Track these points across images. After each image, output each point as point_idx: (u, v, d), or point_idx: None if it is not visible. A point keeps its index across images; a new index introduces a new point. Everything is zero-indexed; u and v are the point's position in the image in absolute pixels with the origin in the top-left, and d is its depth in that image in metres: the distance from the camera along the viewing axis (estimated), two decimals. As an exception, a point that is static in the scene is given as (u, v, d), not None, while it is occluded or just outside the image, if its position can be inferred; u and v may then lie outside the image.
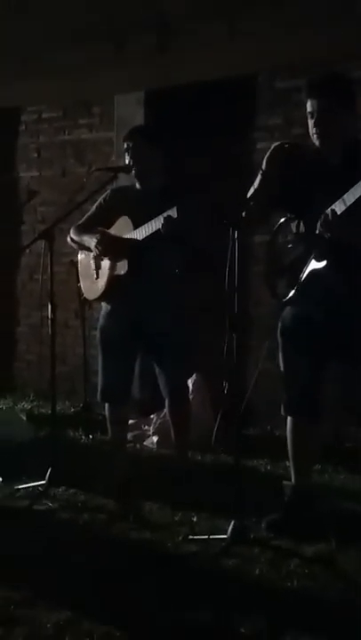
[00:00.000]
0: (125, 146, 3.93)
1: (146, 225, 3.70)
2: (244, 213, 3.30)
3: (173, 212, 3.54)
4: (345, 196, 3.00)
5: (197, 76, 5.07)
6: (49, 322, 4.03)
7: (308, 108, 3.20)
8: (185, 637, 2.46)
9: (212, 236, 3.56)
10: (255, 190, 3.31)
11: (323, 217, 3.05)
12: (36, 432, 4.95)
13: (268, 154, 3.29)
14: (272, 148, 3.30)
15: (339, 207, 3.02)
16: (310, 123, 3.19)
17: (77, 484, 3.94)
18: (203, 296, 4.50)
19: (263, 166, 3.27)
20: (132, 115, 5.51)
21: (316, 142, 3.21)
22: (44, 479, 3.88)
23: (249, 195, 3.33)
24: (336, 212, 3.02)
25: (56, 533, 3.43)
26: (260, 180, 3.30)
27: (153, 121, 5.40)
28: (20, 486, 3.93)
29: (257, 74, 5.18)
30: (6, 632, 2.48)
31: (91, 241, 3.90)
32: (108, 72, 5.21)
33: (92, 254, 3.97)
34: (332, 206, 3.03)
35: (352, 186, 2.98)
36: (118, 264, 3.86)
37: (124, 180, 4.16)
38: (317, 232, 3.10)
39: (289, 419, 3.45)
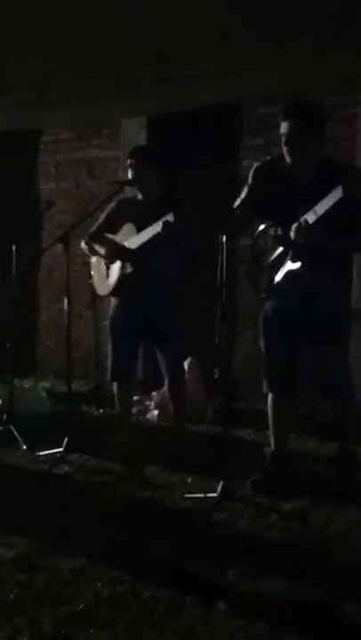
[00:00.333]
0: (128, 162, 3.92)
1: (147, 229, 3.70)
2: (231, 220, 3.30)
3: (170, 217, 3.55)
4: (316, 207, 3.00)
5: (191, 103, 5.05)
6: (65, 313, 4.02)
7: (282, 130, 3.19)
8: (183, 579, 2.46)
9: (203, 239, 3.56)
10: (242, 201, 3.31)
11: (296, 225, 3.05)
12: (54, 407, 4.96)
13: (252, 170, 3.28)
14: (255, 165, 3.29)
15: (310, 217, 3.02)
16: (283, 142, 3.18)
17: (90, 451, 3.94)
18: (197, 291, 4.50)
19: (249, 180, 3.27)
20: (136, 136, 5.49)
21: (288, 159, 3.19)
22: (61, 447, 3.86)
23: (236, 204, 3.32)
24: (308, 221, 3.03)
25: (72, 493, 3.43)
26: (246, 192, 3.29)
27: (154, 142, 5.38)
28: (41, 453, 3.93)
29: (242, 101, 5.17)
30: (29, 577, 2.48)
31: (101, 250, 3.91)
32: (116, 100, 5.20)
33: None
34: (305, 216, 3.03)
35: (319, 197, 2.98)
36: (125, 265, 3.87)
37: (129, 192, 4.15)
38: (292, 238, 3.10)
39: (269, 395, 3.46)
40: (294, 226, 3.06)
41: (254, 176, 3.24)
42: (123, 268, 3.86)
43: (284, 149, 3.17)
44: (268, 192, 3.23)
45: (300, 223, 3.03)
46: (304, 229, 3.03)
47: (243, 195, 3.30)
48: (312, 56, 4.08)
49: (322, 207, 2.97)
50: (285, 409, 3.45)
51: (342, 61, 4.14)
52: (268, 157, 3.31)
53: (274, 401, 3.44)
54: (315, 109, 3.30)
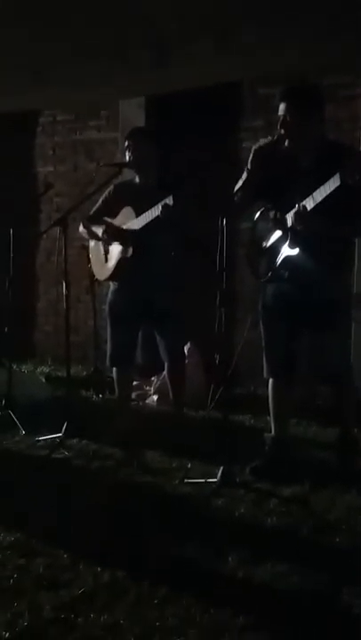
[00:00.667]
0: (126, 144, 3.90)
1: (146, 213, 3.69)
2: (231, 204, 3.29)
3: (170, 200, 3.53)
4: (314, 193, 2.99)
5: (190, 84, 5.03)
6: (64, 297, 4.02)
7: (279, 112, 3.16)
8: (182, 564, 2.48)
9: (203, 222, 3.55)
10: (242, 184, 3.30)
11: (295, 211, 3.04)
12: (53, 392, 4.96)
13: (252, 152, 3.26)
14: (254, 147, 3.28)
15: (309, 203, 3.01)
16: (279, 125, 3.16)
17: (89, 436, 3.95)
18: (196, 275, 4.50)
19: (248, 164, 3.25)
20: (135, 117, 5.46)
21: (286, 142, 3.17)
22: (60, 432, 3.87)
23: (236, 188, 3.31)
24: (306, 208, 3.02)
25: (71, 478, 3.45)
26: (246, 176, 3.28)
27: (153, 122, 5.35)
28: (41, 438, 3.94)
29: (242, 82, 5.13)
30: (29, 562, 2.50)
31: (98, 231, 3.90)
32: (114, 81, 5.16)
33: (101, 242, 3.97)
34: (304, 202, 3.02)
35: (318, 180, 2.96)
36: (124, 249, 3.86)
37: (128, 174, 4.13)
38: (290, 224, 3.09)
39: (270, 380, 3.47)
40: (293, 212, 3.06)
41: (254, 158, 3.23)
42: (123, 251, 3.86)
43: (282, 132, 3.15)
44: (268, 175, 3.22)
45: (298, 209, 3.03)
46: (303, 216, 3.02)
47: (243, 178, 3.29)
48: (312, 36, 4.05)
49: (320, 194, 2.96)
50: (285, 394, 3.47)
51: (343, 41, 4.12)
52: (268, 139, 3.30)
53: (274, 386, 3.46)
54: (313, 92, 3.27)
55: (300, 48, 4.24)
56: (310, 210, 2.99)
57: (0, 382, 4.70)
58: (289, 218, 3.09)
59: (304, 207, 3.01)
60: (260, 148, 3.25)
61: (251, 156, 3.25)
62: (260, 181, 3.23)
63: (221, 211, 3.26)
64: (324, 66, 4.43)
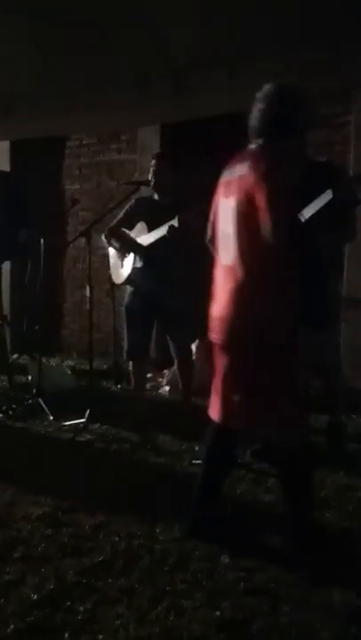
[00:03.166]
0: (152, 164, 3.90)
1: (154, 232, 3.70)
2: None
3: (175, 222, 3.53)
4: (310, 205, 2.97)
5: (202, 112, 5.01)
6: (87, 300, 4.03)
7: None
8: (190, 532, 2.48)
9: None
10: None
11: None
12: (77, 382, 4.97)
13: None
14: None
15: (307, 213, 3.00)
16: None
17: (109, 421, 3.95)
18: (202, 281, 4.48)
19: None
20: (151, 142, 5.45)
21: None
22: (84, 418, 3.88)
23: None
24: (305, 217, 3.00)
25: (93, 458, 3.46)
26: None
27: (167, 147, 5.34)
28: (66, 423, 3.95)
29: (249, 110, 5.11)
30: (55, 532, 2.51)
31: (117, 244, 3.92)
32: (133, 109, 5.16)
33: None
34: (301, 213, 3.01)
35: (309, 195, 2.95)
36: (137, 258, 3.87)
37: (145, 191, 4.13)
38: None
39: None
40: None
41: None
42: (134, 261, 3.87)
43: None
44: None
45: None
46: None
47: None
48: (312, 69, 4.04)
49: (315, 206, 2.94)
50: None
51: (338, 74, 4.10)
52: None
53: None
54: None
55: (302, 77, 4.21)
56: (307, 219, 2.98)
57: (31, 373, 4.72)
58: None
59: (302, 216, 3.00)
60: None
61: None
62: None
63: None
64: (323, 94, 4.40)
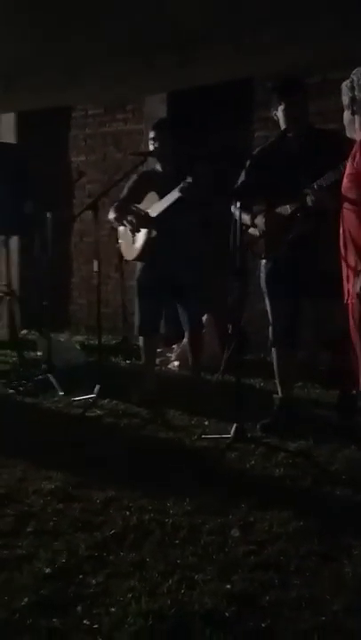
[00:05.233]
0: (151, 135, 3.85)
1: (167, 196, 3.66)
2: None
3: (189, 179, 3.51)
4: (325, 176, 2.96)
5: (208, 80, 4.93)
6: (95, 274, 4.02)
7: (282, 106, 3.22)
8: (201, 509, 2.50)
9: (219, 204, 3.50)
10: (242, 184, 3.29)
11: (311, 189, 3.02)
12: (87, 358, 5.00)
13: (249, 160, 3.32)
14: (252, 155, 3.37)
15: (321, 183, 2.99)
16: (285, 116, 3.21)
17: (118, 396, 3.98)
18: (213, 253, 4.46)
19: (247, 167, 3.28)
20: (157, 111, 5.37)
21: (288, 133, 3.23)
22: (93, 393, 3.91)
23: (236, 187, 3.28)
24: (323, 186, 2.99)
25: (103, 433, 3.49)
26: (244, 177, 3.29)
27: (173, 115, 5.27)
28: (76, 398, 3.98)
29: (253, 77, 5.02)
30: (66, 507, 2.54)
31: (128, 223, 3.88)
32: (139, 78, 5.08)
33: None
34: (316, 182, 3.00)
35: (312, 162, 3.03)
36: (150, 231, 3.84)
37: (150, 163, 4.09)
38: (309, 201, 3.06)
39: (273, 348, 3.45)
40: (309, 190, 3.03)
41: (253, 162, 3.24)
42: (148, 232, 3.84)
43: (287, 125, 3.17)
44: (268, 169, 3.21)
45: (314, 188, 3.00)
46: (319, 192, 2.99)
47: (241, 178, 3.27)
48: (318, 35, 3.96)
49: (329, 178, 2.93)
50: (289, 360, 3.45)
51: (345, 39, 4.01)
52: (260, 147, 3.37)
53: (278, 354, 3.44)
54: (304, 86, 3.40)
55: (308, 44, 4.14)
56: (324, 187, 2.97)
57: (41, 349, 4.75)
58: (307, 197, 3.05)
59: (319, 185, 2.99)
60: (257, 154, 3.30)
61: (249, 161, 3.26)
62: (260, 176, 3.22)
63: (235, 192, 3.23)
64: (330, 60, 4.32)
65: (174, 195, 3.59)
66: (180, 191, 3.53)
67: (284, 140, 3.24)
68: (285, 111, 3.21)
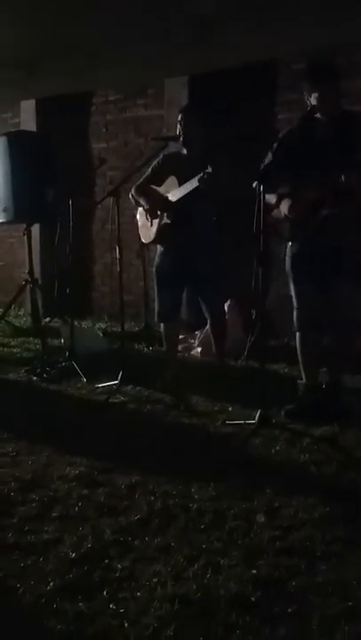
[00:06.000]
0: (179, 118, 3.82)
1: (186, 184, 3.64)
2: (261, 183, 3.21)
3: (209, 170, 3.47)
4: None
5: (230, 62, 4.87)
6: (117, 261, 4.02)
7: (316, 90, 3.12)
8: (226, 494, 2.50)
9: (241, 188, 3.47)
10: (266, 166, 3.22)
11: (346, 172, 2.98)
12: (110, 345, 5.02)
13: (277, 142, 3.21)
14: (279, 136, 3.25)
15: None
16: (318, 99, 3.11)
17: (142, 383, 3.98)
18: (235, 237, 4.42)
19: (274, 148, 3.20)
20: (179, 95, 5.33)
21: (321, 115, 3.14)
22: (117, 380, 3.92)
23: (262, 169, 3.22)
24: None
25: (127, 419, 3.50)
26: (271, 158, 3.22)
27: (195, 99, 5.22)
28: (100, 385, 4.00)
29: (277, 59, 4.95)
30: (91, 492, 2.56)
31: (145, 205, 3.87)
32: (160, 62, 5.04)
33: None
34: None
35: (343, 146, 2.99)
36: (166, 215, 3.82)
37: (173, 147, 4.06)
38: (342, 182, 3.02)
39: (297, 333, 3.41)
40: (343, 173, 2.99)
41: (281, 143, 3.18)
42: (162, 218, 3.83)
43: (320, 107, 3.09)
44: (298, 150, 3.15)
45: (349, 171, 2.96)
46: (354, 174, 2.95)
47: (268, 159, 3.21)
48: (341, 15, 3.88)
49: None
50: (314, 345, 3.41)
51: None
52: (288, 129, 3.26)
53: (302, 339, 3.40)
54: (336, 68, 3.29)
55: (331, 24, 4.05)
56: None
57: (64, 337, 4.78)
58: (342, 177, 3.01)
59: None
60: (284, 134, 3.21)
61: (277, 143, 3.20)
62: (288, 158, 3.16)
63: (258, 178, 3.18)
64: (354, 41, 4.23)
65: (193, 183, 3.57)
66: (199, 181, 3.51)
67: (315, 123, 3.17)
68: (319, 99, 3.13)
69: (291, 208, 3.19)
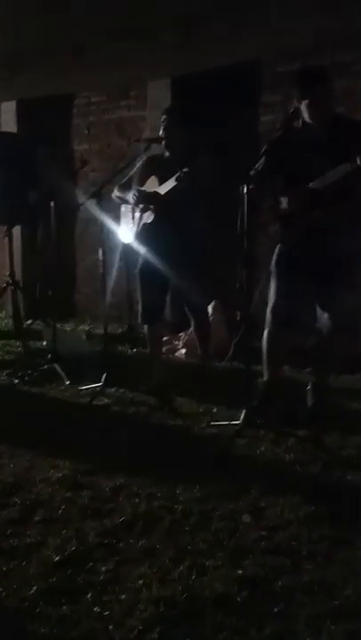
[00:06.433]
0: (162, 120, 3.81)
1: (165, 183, 3.65)
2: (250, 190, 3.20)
3: (186, 169, 3.48)
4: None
5: (213, 64, 4.87)
6: (100, 263, 4.00)
7: (309, 94, 3.07)
8: (211, 495, 2.49)
9: (225, 190, 3.46)
10: (258, 172, 3.23)
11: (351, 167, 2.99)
12: (93, 347, 4.98)
13: (266, 145, 3.21)
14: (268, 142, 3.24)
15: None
16: (308, 104, 3.08)
17: (125, 385, 3.97)
18: (218, 238, 4.42)
19: (264, 154, 3.20)
20: (162, 97, 5.33)
21: (310, 121, 3.11)
22: (100, 382, 3.90)
23: (252, 174, 3.22)
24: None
25: (111, 421, 3.48)
26: (262, 164, 3.22)
27: (178, 101, 5.21)
28: (83, 387, 3.97)
29: (260, 61, 4.97)
30: (75, 495, 2.54)
31: (129, 196, 3.85)
32: (142, 64, 5.03)
33: (130, 206, 3.93)
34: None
35: (334, 150, 2.97)
36: (146, 214, 3.82)
37: (157, 148, 4.05)
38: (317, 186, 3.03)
39: (266, 330, 3.37)
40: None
41: (269, 149, 3.17)
42: (142, 218, 3.83)
43: (310, 110, 3.07)
44: (286, 156, 3.14)
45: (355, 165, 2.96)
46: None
47: (259, 166, 3.21)
48: (325, 14, 3.89)
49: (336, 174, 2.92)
50: (281, 345, 3.39)
51: (355, 17, 3.95)
52: (279, 133, 3.24)
53: (270, 335, 3.35)
54: (327, 72, 3.22)
55: (315, 24, 4.07)
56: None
57: (46, 339, 4.74)
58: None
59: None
60: (274, 139, 3.21)
61: (267, 146, 3.19)
62: (277, 163, 3.16)
63: (242, 179, 3.17)
64: (338, 40, 4.25)
65: (171, 183, 3.58)
66: (176, 180, 3.52)
67: (306, 127, 3.13)
68: (310, 107, 3.07)
69: (289, 201, 3.18)
